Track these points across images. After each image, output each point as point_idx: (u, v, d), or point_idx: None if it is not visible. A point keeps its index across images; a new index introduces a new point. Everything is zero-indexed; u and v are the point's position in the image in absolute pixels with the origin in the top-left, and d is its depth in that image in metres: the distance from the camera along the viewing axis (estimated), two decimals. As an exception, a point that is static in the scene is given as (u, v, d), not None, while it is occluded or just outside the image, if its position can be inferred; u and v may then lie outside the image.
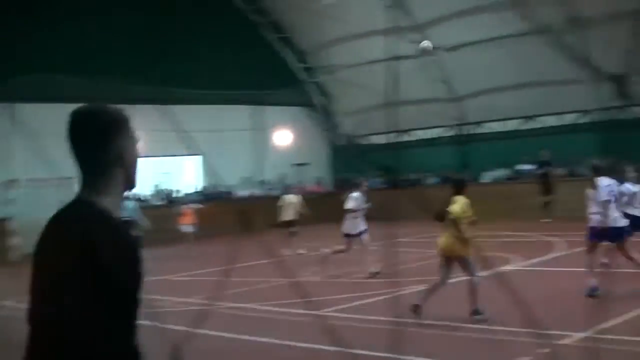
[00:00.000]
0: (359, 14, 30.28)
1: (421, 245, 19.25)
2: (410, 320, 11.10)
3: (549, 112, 30.79)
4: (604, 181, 12.79)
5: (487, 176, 32.62)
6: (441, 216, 11.70)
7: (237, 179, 34.45)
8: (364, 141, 37.49)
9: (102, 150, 2.76)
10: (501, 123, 33.57)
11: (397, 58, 32.17)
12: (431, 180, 34.49)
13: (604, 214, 12.56)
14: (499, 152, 32.42)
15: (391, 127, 32.30)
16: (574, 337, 9.58)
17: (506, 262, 16.42)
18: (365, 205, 17.19)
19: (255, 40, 34.64)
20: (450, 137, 35.32)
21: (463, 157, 34.52)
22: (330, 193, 34.36)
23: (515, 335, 9.57)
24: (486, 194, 27.49)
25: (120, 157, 2.79)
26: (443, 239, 11.65)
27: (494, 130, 33.96)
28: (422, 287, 13.83)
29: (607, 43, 26.67)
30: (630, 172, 14.64)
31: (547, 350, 8.81)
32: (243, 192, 34.38)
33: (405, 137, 36.66)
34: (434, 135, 35.98)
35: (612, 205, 12.62)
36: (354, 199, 17.20)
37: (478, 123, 34.38)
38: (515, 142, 32.20)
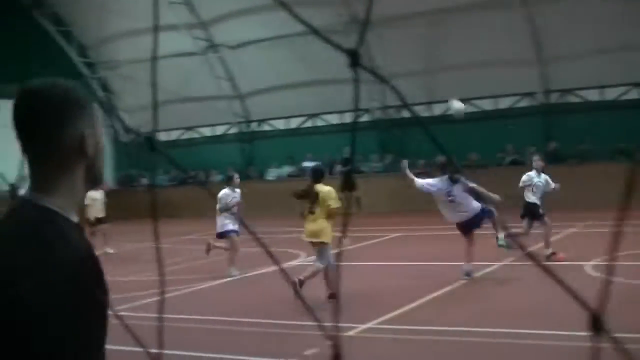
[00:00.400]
0: (143, 8, 29.74)
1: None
2: (201, 317, 11.04)
3: (332, 110, 31.54)
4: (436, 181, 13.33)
5: (272, 173, 33.00)
6: (303, 197, 12.19)
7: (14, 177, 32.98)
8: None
9: (56, 136, 2.12)
10: (285, 121, 34.09)
11: (182, 54, 31.99)
12: (217, 177, 34.50)
13: (459, 208, 13.12)
14: (283, 150, 32.89)
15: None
16: (359, 328, 9.85)
17: (295, 257, 16.65)
18: (236, 201, 15.68)
19: (35, 33, 33.30)
20: (235, 134, 35.50)
21: (248, 154, 34.80)
22: (114, 191, 33.62)
23: (303, 329, 9.70)
24: (271, 190, 27.82)
25: (80, 144, 2.15)
26: (309, 226, 11.95)
27: (278, 128, 34.46)
28: (211, 284, 13.85)
29: (385, 44, 27.67)
30: (537, 161, 15.19)
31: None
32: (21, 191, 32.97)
33: (191, 134, 36.53)
34: (219, 133, 36.03)
35: (457, 200, 13.12)
36: (224, 196, 15.63)
37: (262, 121, 34.74)
38: (299, 140, 32.79)
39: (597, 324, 1.16)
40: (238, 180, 15.98)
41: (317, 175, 12.34)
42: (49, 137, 2.12)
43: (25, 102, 2.14)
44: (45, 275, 1.90)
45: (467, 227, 13.20)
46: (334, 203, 11.85)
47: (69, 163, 2.14)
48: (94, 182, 2.24)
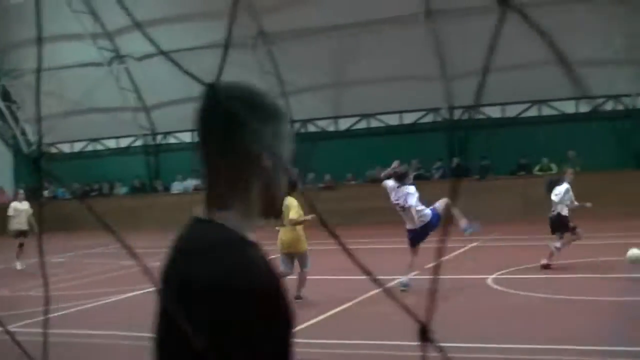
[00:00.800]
0: (47, 17, 29.21)
1: (109, 256, 18.92)
2: (79, 332, 10.86)
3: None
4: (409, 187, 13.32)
5: (178, 186, 32.69)
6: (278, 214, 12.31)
7: None
8: (52, 149, 36.28)
9: (232, 143, 1.90)
10: (191, 134, 33.81)
11: (87, 65, 31.50)
12: (122, 189, 34.05)
13: (408, 215, 13.12)
14: (189, 163, 32.62)
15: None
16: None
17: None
18: None
19: None
20: (141, 146, 35.08)
21: (154, 167, 34.44)
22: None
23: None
24: (176, 204, 27.57)
25: (258, 163, 1.92)
26: (283, 237, 12.55)
27: (184, 141, 34.17)
28: (118, 298, 13.63)
29: (292, 59, 27.79)
30: (571, 174, 14.99)
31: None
32: None
33: (95, 146, 35.96)
34: (125, 145, 35.55)
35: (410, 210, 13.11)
36: None
37: (168, 133, 34.42)
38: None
39: (425, 335, 1.20)
40: None
41: (289, 187, 12.56)
42: (225, 143, 1.92)
43: (204, 103, 1.94)
44: (214, 300, 1.72)
45: (417, 236, 13.16)
46: (293, 214, 12.38)
47: (245, 177, 1.92)
48: (269, 209, 2.01)
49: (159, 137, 34.84)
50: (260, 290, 1.74)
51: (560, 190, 14.64)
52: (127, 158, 34.71)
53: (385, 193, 13.70)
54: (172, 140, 34.61)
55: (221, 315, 1.70)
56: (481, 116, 28.73)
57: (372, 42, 26.72)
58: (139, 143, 35.15)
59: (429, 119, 29.58)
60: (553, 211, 14.65)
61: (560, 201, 14.55)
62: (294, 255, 12.63)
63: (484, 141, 27.25)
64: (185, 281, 1.78)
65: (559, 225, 14.59)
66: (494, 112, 28.31)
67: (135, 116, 33.06)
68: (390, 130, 29.70)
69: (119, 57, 32.47)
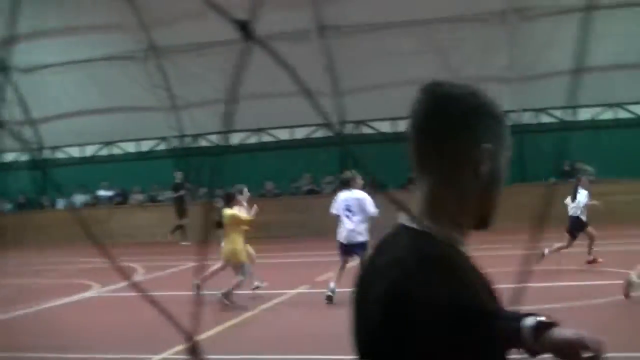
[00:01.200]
0: None
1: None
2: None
3: (129, 138, 31.07)
4: (341, 195, 13.31)
5: (65, 202, 31.94)
6: (219, 225, 13.13)
7: None
8: None
9: (450, 150, 1.77)
10: (80, 148, 33.19)
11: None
12: (6, 206, 33.10)
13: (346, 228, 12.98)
14: (77, 178, 31.93)
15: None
16: (154, 358, 9.71)
17: (87, 288, 16.17)
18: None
19: None
20: (26, 161, 34.15)
21: (41, 182, 33.61)
22: None
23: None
24: (62, 220, 26.97)
25: (476, 167, 1.77)
26: (226, 247, 13.02)
27: (73, 155, 33.49)
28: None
29: (183, 73, 27.63)
30: (585, 181, 15.74)
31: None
32: None
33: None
34: (8, 160, 34.53)
35: (351, 219, 12.97)
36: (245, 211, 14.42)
37: (56, 147, 33.63)
38: (94, 168, 32.03)
39: (192, 347, 1.23)
40: (248, 194, 14.83)
41: (227, 200, 13.30)
42: (441, 145, 1.78)
43: (421, 102, 1.82)
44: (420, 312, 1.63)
45: (347, 250, 13.04)
46: (243, 217, 13.05)
47: (461, 182, 1.78)
48: (484, 217, 1.85)
49: (46, 151, 33.99)
50: (471, 312, 1.65)
51: (584, 196, 15.50)
52: (12, 173, 33.73)
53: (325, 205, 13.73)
54: (60, 154, 33.84)
55: (427, 332, 1.63)
56: (371, 131, 29.10)
57: (263, 56, 26.67)
58: (24, 158, 34.20)
59: (320, 134, 29.75)
60: (572, 214, 15.47)
61: (579, 206, 15.43)
62: (234, 263, 13.03)
63: (374, 156, 27.57)
64: (392, 293, 1.68)
65: (578, 227, 15.38)
66: (384, 127, 28.71)
67: (21, 130, 32.15)
68: (281, 145, 29.77)
69: (3, 68, 31.53)
